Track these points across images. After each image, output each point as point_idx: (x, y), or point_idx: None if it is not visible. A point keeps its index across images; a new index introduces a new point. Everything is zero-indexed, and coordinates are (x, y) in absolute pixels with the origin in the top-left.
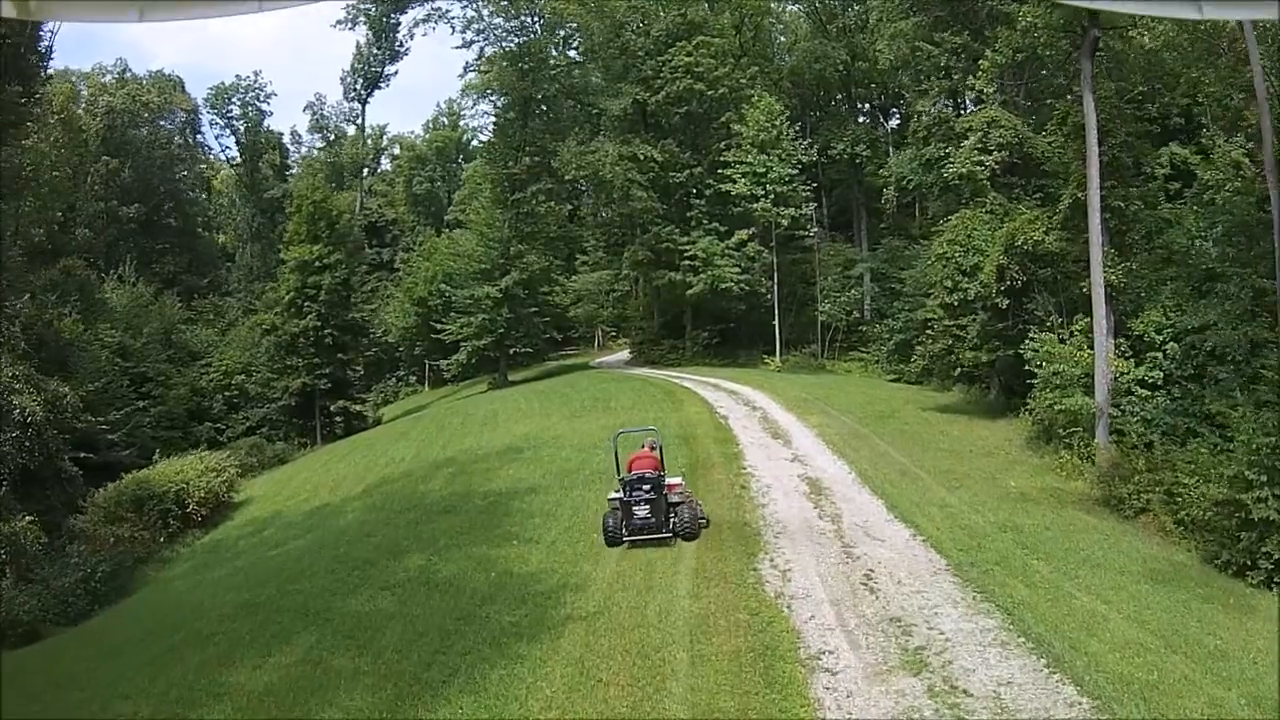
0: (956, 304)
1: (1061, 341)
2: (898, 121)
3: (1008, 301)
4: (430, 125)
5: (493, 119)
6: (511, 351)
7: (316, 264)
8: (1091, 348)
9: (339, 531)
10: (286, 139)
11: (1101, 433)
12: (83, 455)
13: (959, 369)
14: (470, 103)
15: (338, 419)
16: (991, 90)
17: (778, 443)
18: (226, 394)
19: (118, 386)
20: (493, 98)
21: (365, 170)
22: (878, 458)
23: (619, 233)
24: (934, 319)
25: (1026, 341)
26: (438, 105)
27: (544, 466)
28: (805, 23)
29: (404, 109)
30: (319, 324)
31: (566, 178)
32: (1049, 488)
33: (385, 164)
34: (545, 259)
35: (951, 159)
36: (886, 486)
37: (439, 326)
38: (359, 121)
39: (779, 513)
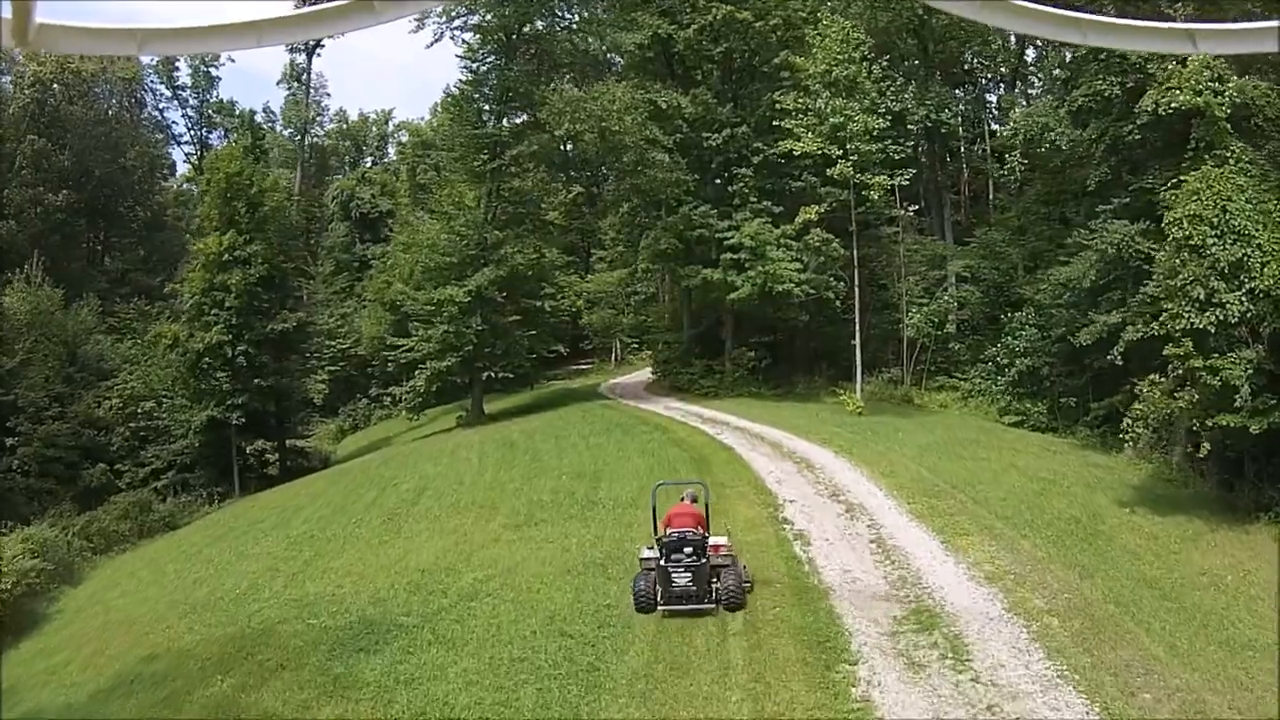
0: (1213, 329)
1: None
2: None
3: None
4: (437, 108)
5: (464, 63)
6: (486, 376)
7: (226, 258)
8: None
9: None
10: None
11: None
12: None
13: (1202, 441)
14: (431, 36)
15: (269, 459)
16: None
17: (940, 656)
18: (131, 426)
19: None
20: (463, 34)
21: (365, 154)
22: None
23: (641, 215)
24: (1176, 356)
25: None
26: (446, 88)
27: None
28: None
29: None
30: (229, 337)
31: (558, 132)
32: None
33: (391, 154)
34: (535, 250)
35: (1173, 83)
36: None
37: (394, 342)
38: (303, 79)
39: None
